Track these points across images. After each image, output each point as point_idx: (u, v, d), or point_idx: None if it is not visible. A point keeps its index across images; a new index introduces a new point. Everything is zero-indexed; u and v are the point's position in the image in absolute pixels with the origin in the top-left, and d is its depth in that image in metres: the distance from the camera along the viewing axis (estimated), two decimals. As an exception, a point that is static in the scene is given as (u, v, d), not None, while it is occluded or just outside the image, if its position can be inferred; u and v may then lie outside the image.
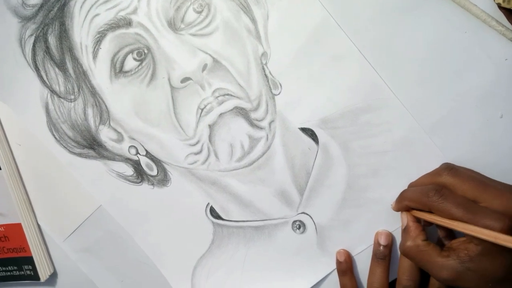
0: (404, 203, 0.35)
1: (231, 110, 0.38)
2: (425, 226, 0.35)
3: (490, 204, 0.30)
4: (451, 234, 0.35)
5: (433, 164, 0.36)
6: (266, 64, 0.37)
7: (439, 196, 0.31)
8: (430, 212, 0.32)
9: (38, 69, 0.41)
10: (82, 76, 0.40)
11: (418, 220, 0.34)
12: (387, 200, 0.37)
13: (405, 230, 0.34)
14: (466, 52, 0.35)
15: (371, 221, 0.38)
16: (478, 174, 0.34)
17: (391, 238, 0.38)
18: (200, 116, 0.38)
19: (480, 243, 0.29)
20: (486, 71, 0.35)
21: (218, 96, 0.38)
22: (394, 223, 0.38)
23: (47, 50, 0.40)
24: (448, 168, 0.33)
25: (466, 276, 0.30)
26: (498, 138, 0.35)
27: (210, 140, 0.39)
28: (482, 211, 0.30)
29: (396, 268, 0.37)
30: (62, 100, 0.41)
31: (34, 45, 0.40)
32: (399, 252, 0.37)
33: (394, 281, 0.37)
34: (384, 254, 0.37)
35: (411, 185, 0.36)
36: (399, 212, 0.37)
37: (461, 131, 0.36)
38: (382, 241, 0.37)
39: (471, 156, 0.35)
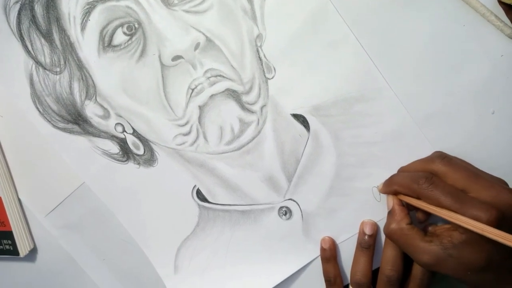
0: (393, 188, 0.35)
1: (223, 92, 0.37)
2: (410, 210, 0.35)
3: (479, 195, 0.30)
4: (431, 220, 0.36)
5: (422, 156, 0.36)
6: (260, 46, 0.36)
7: (429, 183, 0.31)
8: (417, 198, 0.33)
9: (23, 38, 0.39)
10: (69, 48, 0.38)
11: (403, 204, 0.35)
12: (375, 190, 0.38)
13: (390, 213, 0.35)
14: (462, 46, 0.34)
15: (357, 211, 0.38)
16: (469, 165, 0.34)
17: (376, 228, 0.38)
18: (190, 96, 0.37)
19: (465, 232, 0.30)
20: (481, 66, 0.34)
21: (210, 77, 0.37)
22: (380, 213, 0.38)
23: (33, 19, 0.38)
24: (441, 157, 0.33)
25: (446, 262, 0.30)
26: (489, 134, 0.35)
27: (199, 122, 0.38)
28: (470, 201, 0.30)
29: (380, 258, 0.37)
30: (47, 72, 0.39)
31: (19, 13, 0.38)
32: (383, 242, 0.38)
33: (377, 270, 0.37)
34: (369, 243, 0.37)
35: (401, 170, 0.36)
36: (385, 201, 0.37)
37: (452, 126, 0.36)
38: (367, 230, 0.37)
39: (461, 150, 0.35)
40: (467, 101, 0.35)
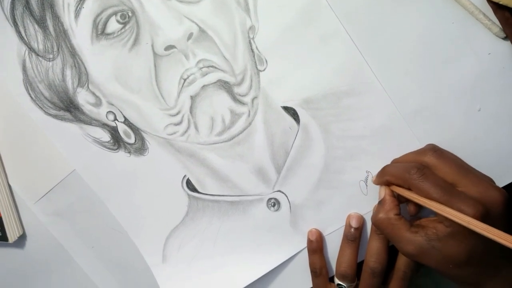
0: (385, 178, 0.35)
1: (215, 83, 0.37)
2: (401, 202, 0.35)
3: (467, 189, 0.31)
4: (422, 213, 0.36)
5: (409, 151, 0.36)
6: (253, 38, 0.37)
7: (420, 174, 0.32)
8: (409, 189, 0.33)
9: (17, 24, 0.39)
10: (62, 35, 0.38)
11: (394, 195, 0.35)
12: (362, 184, 0.38)
13: (380, 203, 0.35)
14: (451, 43, 0.35)
15: (344, 203, 0.39)
16: (460, 159, 0.35)
17: (362, 221, 0.38)
18: (182, 86, 0.38)
19: (450, 225, 0.30)
20: (468, 64, 0.35)
21: (202, 67, 0.37)
22: (366, 207, 0.38)
23: (27, 5, 0.38)
24: (434, 149, 0.34)
25: (430, 253, 0.31)
26: (475, 131, 0.36)
27: (191, 112, 0.38)
28: (458, 195, 0.30)
29: (365, 251, 0.37)
30: (40, 58, 0.39)
31: (13, -1, 0.38)
32: (368, 236, 0.38)
33: (362, 262, 0.38)
34: (355, 236, 0.38)
35: (394, 161, 0.37)
36: (372, 195, 0.38)
37: (439, 122, 0.36)
38: (354, 223, 0.38)
39: (447, 147, 0.36)
40: (454, 98, 0.36)
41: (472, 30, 0.34)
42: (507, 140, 0.36)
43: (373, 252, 0.37)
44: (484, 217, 0.29)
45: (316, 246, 0.40)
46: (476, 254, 0.30)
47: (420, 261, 0.32)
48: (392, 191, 0.35)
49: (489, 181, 0.33)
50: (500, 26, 0.34)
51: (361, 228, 0.38)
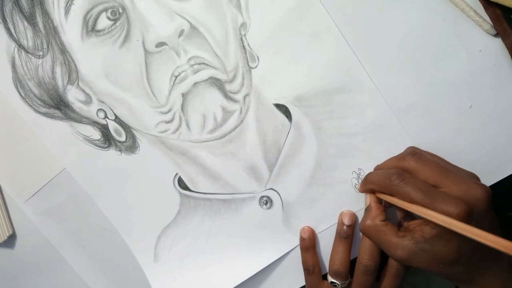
0: (368, 186, 0.35)
1: (206, 80, 0.37)
2: (386, 207, 0.36)
3: (450, 189, 0.31)
4: (410, 216, 0.36)
5: (400, 149, 0.36)
6: (245, 35, 0.37)
7: (400, 180, 0.32)
8: (391, 195, 0.33)
9: (6, 21, 0.38)
10: (52, 32, 0.38)
11: (380, 201, 0.35)
12: (354, 181, 0.38)
13: (366, 210, 0.35)
14: (442, 40, 0.35)
15: (336, 201, 0.39)
16: (441, 160, 0.35)
17: (354, 218, 0.38)
18: (173, 83, 0.37)
19: (436, 227, 0.30)
20: (459, 61, 0.35)
21: (194, 65, 0.37)
22: (358, 204, 0.38)
23: (17, 1, 0.38)
24: (412, 153, 0.34)
25: (419, 256, 0.31)
26: (466, 128, 0.36)
27: (182, 109, 0.38)
28: (440, 196, 0.30)
29: (358, 248, 0.37)
30: (30, 55, 0.39)
31: (2, -5, 0.38)
32: (361, 233, 0.38)
33: (355, 260, 0.38)
34: (347, 233, 0.38)
35: (376, 168, 0.37)
36: (363, 197, 0.38)
37: (430, 118, 0.36)
38: (346, 221, 0.38)
39: (438, 143, 0.36)
40: (445, 94, 0.36)
41: (463, 27, 0.34)
42: (498, 137, 0.36)
43: (366, 249, 0.37)
44: (468, 215, 0.29)
45: (309, 244, 0.39)
46: (464, 252, 0.30)
47: (410, 264, 0.32)
48: (377, 198, 0.35)
49: (472, 178, 0.32)
50: (491, 23, 0.34)
51: (353, 225, 0.38)
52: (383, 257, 0.37)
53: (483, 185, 0.31)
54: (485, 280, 0.31)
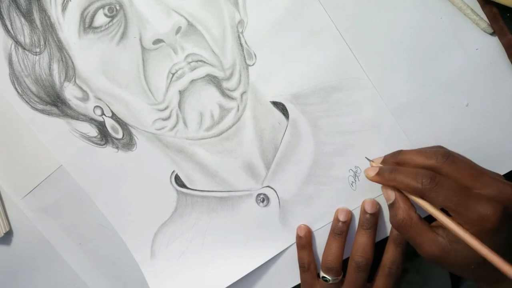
0: (392, 184, 0.33)
1: (203, 77, 0.37)
2: None
3: (483, 191, 0.30)
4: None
5: (397, 147, 0.36)
6: (242, 32, 0.37)
7: (434, 184, 0.30)
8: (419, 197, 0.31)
9: (3, 17, 0.38)
10: (49, 28, 0.38)
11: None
12: (350, 179, 0.38)
13: (393, 205, 0.33)
14: (439, 38, 0.35)
15: (333, 199, 0.39)
16: (470, 161, 0.33)
17: (350, 215, 0.38)
18: (170, 81, 0.37)
19: (470, 228, 0.29)
20: (456, 59, 0.35)
21: (191, 62, 0.37)
22: (355, 202, 0.38)
23: (13, -2, 0.38)
24: (446, 155, 0.32)
25: (452, 255, 0.31)
26: (462, 126, 0.36)
27: (179, 107, 0.38)
28: (476, 198, 0.30)
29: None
30: (26, 52, 0.39)
31: (-1, -8, 0.37)
32: (355, 230, 0.38)
33: (347, 260, 0.38)
34: (342, 229, 0.38)
35: (400, 160, 0.34)
36: (360, 191, 0.38)
37: (427, 117, 0.36)
38: (342, 217, 0.38)
39: (434, 141, 0.36)
40: (442, 93, 0.36)
41: (460, 25, 0.34)
42: (494, 135, 0.36)
43: (359, 246, 0.37)
44: (505, 216, 0.29)
45: (305, 242, 0.39)
46: (498, 251, 0.29)
47: (440, 262, 0.31)
48: (400, 191, 0.33)
49: (500, 178, 0.32)
50: (488, 21, 0.34)
51: (348, 222, 0.38)
52: (375, 255, 0.37)
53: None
54: None
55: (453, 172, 0.31)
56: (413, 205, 0.33)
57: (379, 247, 0.38)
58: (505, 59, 0.35)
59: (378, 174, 0.34)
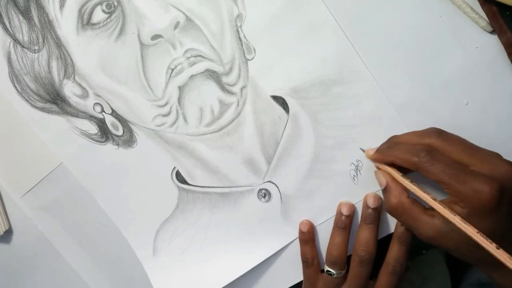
0: (390, 159, 0.34)
1: (203, 72, 0.37)
2: None
3: (478, 168, 0.30)
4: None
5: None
6: (241, 26, 0.36)
7: (430, 157, 0.30)
8: (415, 170, 0.32)
9: (1, 15, 0.38)
10: (47, 26, 0.38)
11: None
12: (352, 173, 0.38)
13: (386, 190, 0.34)
14: (439, 37, 0.35)
15: (335, 193, 0.39)
16: (465, 139, 0.33)
17: (353, 209, 0.38)
18: (170, 76, 0.37)
19: (466, 206, 0.29)
20: (456, 58, 0.35)
21: (190, 57, 0.37)
22: (357, 196, 0.38)
23: (11, -4, 0.38)
24: (438, 132, 0.32)
25: (449, 236, 0.30)
26: (462, 125, 0.36)
27: (179, 103, 0.38)
28: (472, 173, 0.29)
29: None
30: (25, 50, 0.39)
31: (-3, -10, 0.37)
32: (358, 225, 0.38)
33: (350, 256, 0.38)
34: (345, 223, 0.38)
35: (395, 141, 0.35)
36: (362, 185, 0.38)
37: (427, 114, 0.36)
38: (345, 211, 0.38)
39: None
40: (442, 91, 0.36)
41: (459, 23, 0.34)
42: (494, 134, 0.36)
43: (362, 241, 0.37)
44: (501, 192, 0.28)
45: (308, 237, 0.39)
46: (496, 233, 0.29)
47: (439, 244, 0.31)
48: (392, 177, 0.34)
49: (498, 156, 0.31)
50: (488, 20, 0.34)
51: (351, 216, 0.38)
52: (379, 253, 0.37)
53: (510, 162, 0.30)
54: None
55: (447, 147, 0.31)
56: (405, 190, 0.33)
57: (383, 244, 0.37)
58: (505, 57, 0.34)
59: (377, 151, 0.35)
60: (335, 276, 0.38)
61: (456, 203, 0.30)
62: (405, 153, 0.32)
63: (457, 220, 0.29)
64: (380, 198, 0.37)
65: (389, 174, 0.34)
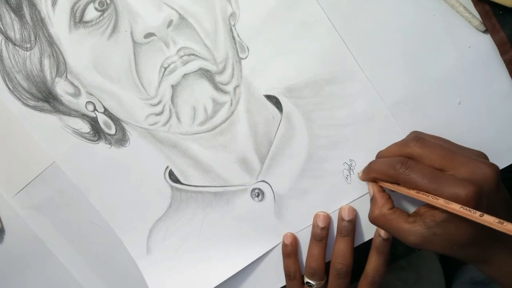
0: (372, 175, 0.35)
1: (196, 71, 0.37)
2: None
3: (456, 172, 0.30)
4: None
5: (392, 140, 0.36)
6: (234, 25, 0.36)
7: (405, 168, 0.31)
8: (396, 183, 0.32)
9: (-8, 13, 0.38)
10: (39, 23, 0.37)
11: (384, 189, 0.35)
12: (345, 172, 0.38)
13: (372, 200, 0.35)
14: (432, 36, 0.35)
15: (328, 192, 0.39)
16: (446, 141, 0.34)
17: (328, 220, 0.39)
18: (163, 75, 0.37)
19: (445, 211, 0.30)
20: (449, 57, 0.35)
21: (183, 56, 0.36)
22: (350, 195, 0.38)
23: (3, -7, 0.37)
24: (416, 139, 0.33)
25: (432, 240, 0.31)
26: (455, 124, 0.36)
27: (172, 102, 0.38)
28: (447, 179, 0.30)
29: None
30: (17, 48, 0.38)
31: (-12, -13, 0.37)
32: (334, 236, 0.39)
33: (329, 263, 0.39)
34: (322, 236, 0.38)
35: (378, 155, 0.36)
36: (355, 183, 0.38)
37: (420, 113, 0.36)
38: (320, 223, 0.38)
39: (429, 135, 0.36)
40: (434, 90, 0.36)
41: (453, 23, 0.34)
42: (486, 133, 0.36)
43: (338, 254, 0.37)
44: (478, 196, 0.28)
45: (291, 250, 0.39)
46: (478, 234, 0.30)
47: (425, 248, 0.32)
48: (381, 187, 0.35)
49: (479, 158, 0.32)
50: (480, 19, 0.34)
51: (327, 227, 0.39)
52: (359, 259, 0.38)
53: (491, 164, 0.30)
54: (500, 258, 0.31)
55: (425, 154, 0.32)
56: (389, 200, 0.34)
57: (361, 253, 0.38)
58: (498, 57, 0.34)
59: (362, 170, 0.37)
60: (315, 286, 0.39)
61: (436, 208, 0.30)
62: (382, 166, 0.33)
63: (441, 203, 0.29)
64: (354, 210, 0.38)
65: (377, 185, 0.35)
